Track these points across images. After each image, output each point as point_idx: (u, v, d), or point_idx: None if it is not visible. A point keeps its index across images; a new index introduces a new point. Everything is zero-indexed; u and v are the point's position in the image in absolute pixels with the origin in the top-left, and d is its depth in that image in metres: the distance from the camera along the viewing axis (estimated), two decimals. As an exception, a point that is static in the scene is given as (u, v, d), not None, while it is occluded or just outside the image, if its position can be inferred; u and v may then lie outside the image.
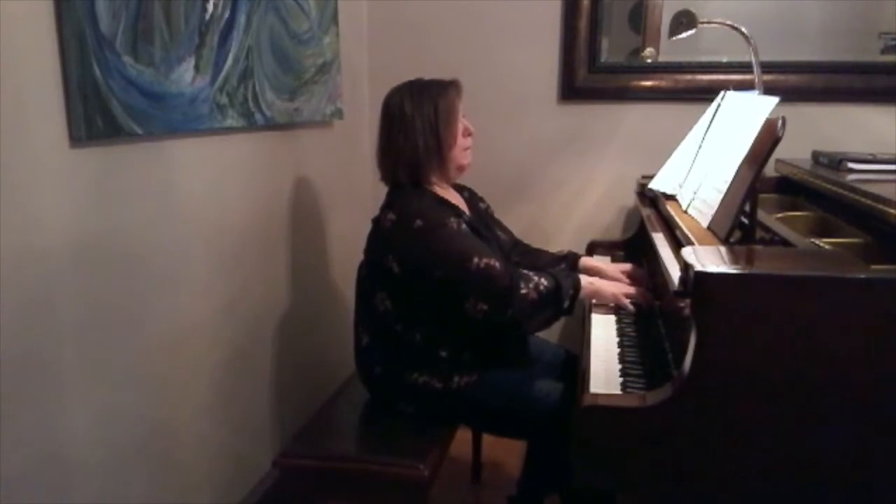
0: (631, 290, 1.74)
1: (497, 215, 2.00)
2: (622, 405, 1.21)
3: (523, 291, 1.54)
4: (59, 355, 1.24)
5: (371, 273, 1.70)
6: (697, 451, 1.15)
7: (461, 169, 1.75)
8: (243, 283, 1.82)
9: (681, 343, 1.24)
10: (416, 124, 1.64)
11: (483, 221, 1.82)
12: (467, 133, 1.73)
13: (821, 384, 1.10)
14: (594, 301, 1.75)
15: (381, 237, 1.66)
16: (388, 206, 1.67)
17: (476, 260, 1.54)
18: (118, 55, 1.29)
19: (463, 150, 1.72)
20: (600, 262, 1.97)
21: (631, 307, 1.71)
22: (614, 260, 2.23)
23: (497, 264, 1.55)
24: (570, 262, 1.94)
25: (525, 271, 1.60)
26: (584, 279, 1.68)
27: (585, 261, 1.94)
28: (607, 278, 1.82)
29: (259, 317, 1.92)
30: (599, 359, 1.46)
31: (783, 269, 1.12)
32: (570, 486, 1.67)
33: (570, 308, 1.62)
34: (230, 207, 1.74)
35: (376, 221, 1.68)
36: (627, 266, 1.92)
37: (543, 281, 1.57)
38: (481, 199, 1.93)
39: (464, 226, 1.62)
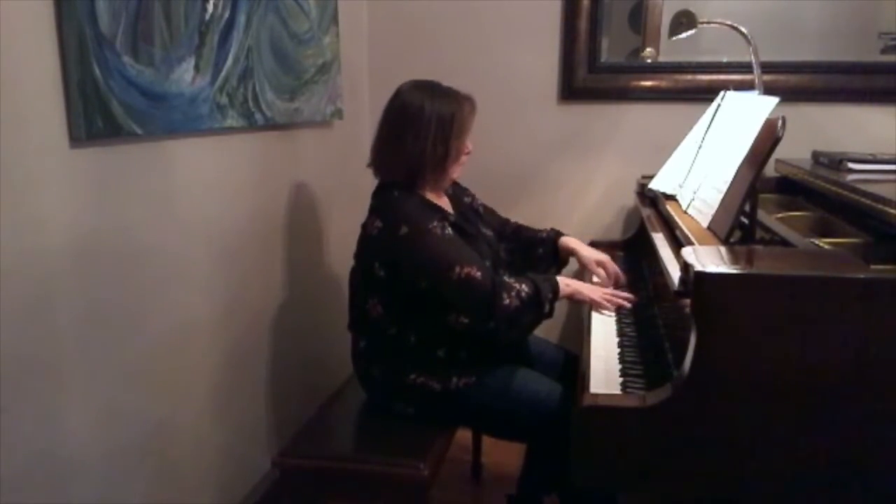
0: (608, 292, 1.75)
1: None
2: (622, 405, 1.21)
3: (505, 301, 1.54)
4: (59, 355, 1.24)
5: (361, 279, 1.70)
6: (697, 451, 1.15)
7: (451, 182, 1.77)
8: (243, 283, 1.82)
9: (681, 343, 1.24)
10: (430, 129, 1.62)
11: (467, 218, 1.81)
12: (467, 151, 1.73)
13: (820, 384, 1.10)
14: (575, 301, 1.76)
15: (368, 244, 1.65)
16: (374, 210, 1.66)
17: (458, 269, 1.53)
18: (118, 55, 1.29)
19: (458, 166, 1.72)
20: (577, 242, 1.96)
21: (608, 307, 1.72)
22: (614, 260, 2.23)
23: (478, 273, 1.54)
24: (552, 239, 1.95)
25: (506, 279, 1.59)
26: (562, 281, 1.68)
27: (565, 240, 1.95)
28: (583, 260, 1.88)
29: (259, 316, 1.92)
30: (599, 359, 1.46)
31: (783, 269, 1.12)
32: (569, 486, 1.67)
33: (551, 311, 1.63)
34: (230, 207, 1.74)
35: (364, 227, 1.67)
36: (603, 256, 1.91)
37: (524, 287, 1.57)
38: (465, 192, 1.91)
39: (448, 230, 1.60)
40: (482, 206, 1.96)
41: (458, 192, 1.88)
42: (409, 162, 1.64)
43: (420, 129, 1.62)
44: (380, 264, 1.62)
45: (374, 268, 1.62)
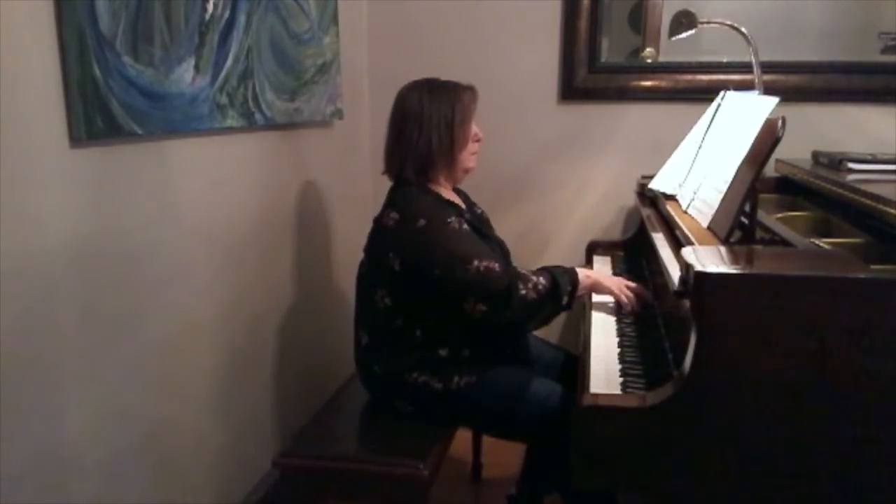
0: (630, 283, 1.75)
1: (497, 215, 2.00)
2: (622, 405, 1.21)
3: (522, 292, 1.55)
4: (59, 355, 1.24)
5: (372, 271, 1.71)
6: (698, 451, 1.15)
7: (466, 172, 1.77)
8: (243, 283, 1.82)
9: (681, 343, 1.24)
10: (432, 121, 1.66)
11: (481, 221, 1.83)
12: (476, 138, 1.75)
13: (820, 384, 1.10)
14: (593, 295, 1.75)
15: (383, 236, 1.66)
16: (390, 204, 1.68)
17: (476, 262, 1.54)
18: (118, 55, 1.29)
19: (471, 154, 1.74)
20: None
21: (626, 301, 1.70)
22: (614, 260, 2.24)
23: (496, 266, 1.55)
24: None
25: (523, 271, 1.60)
26: (582, 273, 1.68)
27: None
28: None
29: (259, 316, 1.92)
30: (599, 359, 1.46)
31: (783, 269, 1.12)
32: (569, 486, 1.67)
33: (570, 303, 1.64)
34: (230, 207, 1.74)
35: (378, 220, 1.69)
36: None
37: (542, 280, 1.58)
38: (475, 204, 1.93)
39: (465, 225, 1.62)
40: None
41: (469, 203, 1.89)
42: (418, 155, 1.66)
43: (422, 123, 1.66)
44: (394, 255, 1.62)
45: (388, 259, 1.63)
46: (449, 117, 1.67)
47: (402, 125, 1.68)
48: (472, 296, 1.56)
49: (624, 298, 1.70)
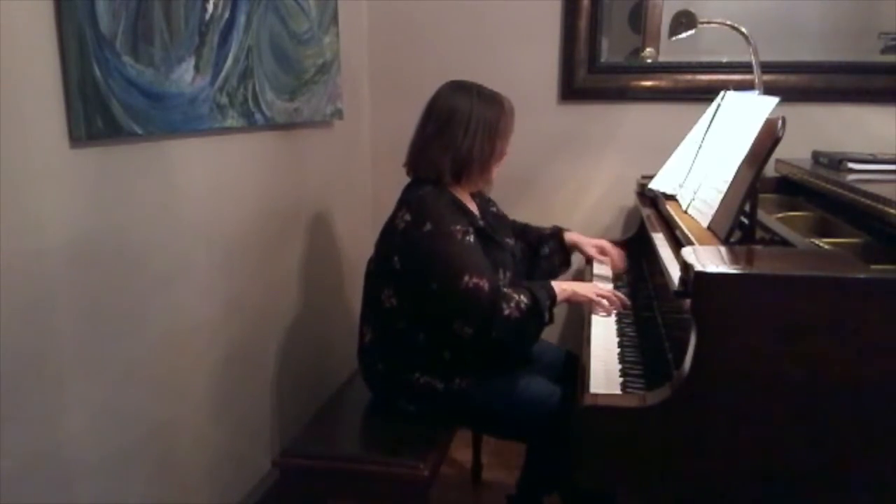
0: (604, 290, 1.74)
1: (497, 216, 2.01)
2: (622, 405, 1.21)
3: (506, 312, 1.53)
4: (59, 355, 1.24)
5: (379, 269, 1.71)
6: (697, 451, 1.15)
7: (489, 182, 1.79)
8: (243, 283, 1.82)
9: (681, 343, 1.24)
10: (479, 126, 1.67)
11: (494, 228, 1.82)
12: (505, 154, 1.77)
13: (820, 384, 1.10)
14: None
15: (392, 235, 1.66)
16: (404, 204, 1.67)
17: (466, 278, 1.54)
18: (118, 55, 1.29)
19: (498, 167, 1.77)
20: (578, 235, 2.04)
21: (606, 305, 1.71)
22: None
23: (486, 285, 1.54)
24: (556, 235, 2.01)
25: (507, 290, 1.59)
26: (558, 286, 1.67)
27: (568, 235, 2.02)
28: (586, 251, 2.00)
29: (259, 316, 1.92)
30: (599, 359, 1.46)
31: (783, 269, 1.12)
32: (569, 485, 1.68)
33: (551, 318, 1.64)
34: (230, 207, 1.74)
35: (391, 219, 1.68)
36: (602, 241, 2.02)
37: (524, 298, 1.57)
38: (490, 202, 1.93)
39: (469, 237, 1.61)
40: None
41: (484, 202, 1.89)
42: (460, 157, 1.66)
43: (468, 127, 1.66)
44: (398, 257, 1.63)
45: (392, 260, 1.64)
46: (494, 127, 1.68)
47: (445, 123, 1.66)
48: (459, 317, 1.56)
49: (605, 303, 1.71)
